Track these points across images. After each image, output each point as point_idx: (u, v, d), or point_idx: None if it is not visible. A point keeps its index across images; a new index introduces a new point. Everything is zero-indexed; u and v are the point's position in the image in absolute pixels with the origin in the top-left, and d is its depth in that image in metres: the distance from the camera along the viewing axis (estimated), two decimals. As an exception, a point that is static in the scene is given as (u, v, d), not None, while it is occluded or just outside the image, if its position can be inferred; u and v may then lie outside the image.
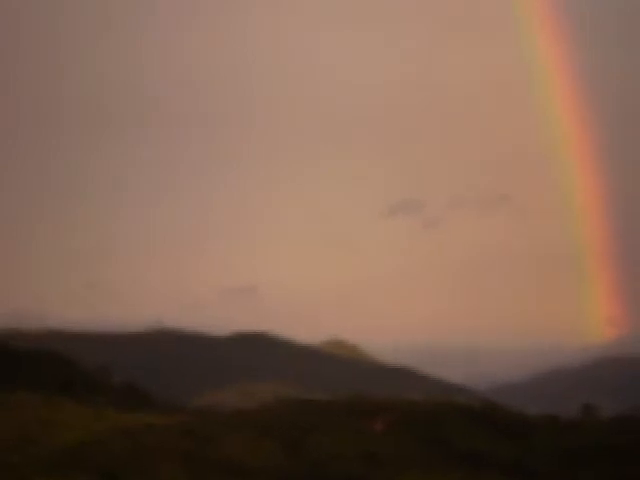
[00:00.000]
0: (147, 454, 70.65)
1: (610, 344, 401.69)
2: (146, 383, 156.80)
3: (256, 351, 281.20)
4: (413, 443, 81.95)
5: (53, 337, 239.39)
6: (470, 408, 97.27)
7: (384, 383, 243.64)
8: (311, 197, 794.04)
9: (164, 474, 65.49)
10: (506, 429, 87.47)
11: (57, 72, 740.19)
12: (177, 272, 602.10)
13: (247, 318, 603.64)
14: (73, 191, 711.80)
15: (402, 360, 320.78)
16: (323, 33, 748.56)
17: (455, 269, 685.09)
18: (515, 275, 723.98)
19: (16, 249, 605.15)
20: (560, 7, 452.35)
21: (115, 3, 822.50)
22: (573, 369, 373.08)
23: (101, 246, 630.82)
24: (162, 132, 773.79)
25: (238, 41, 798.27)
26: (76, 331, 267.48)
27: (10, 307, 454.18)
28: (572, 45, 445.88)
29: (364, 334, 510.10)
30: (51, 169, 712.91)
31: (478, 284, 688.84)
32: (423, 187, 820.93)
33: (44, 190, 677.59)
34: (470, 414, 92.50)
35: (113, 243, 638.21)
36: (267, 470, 71.22)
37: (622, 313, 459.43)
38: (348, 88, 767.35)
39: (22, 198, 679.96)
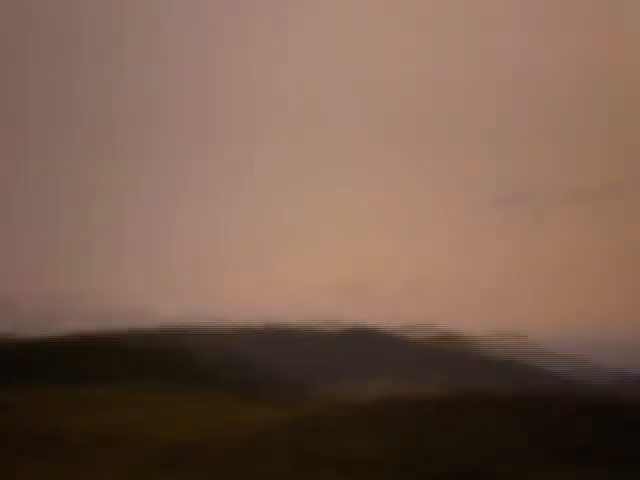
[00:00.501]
0: (264, 449, 71.06)
1: None
2: (260, 378, 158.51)
3: (367, 347, 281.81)
4: (538, 438, 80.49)
5: (170, 334, 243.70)
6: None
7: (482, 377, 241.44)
8: (419, 189, 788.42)
9: (280, 469, 66.37)
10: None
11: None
12: (288, 268, 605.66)
13: (358, 314, 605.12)
14: (186, 191, 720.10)
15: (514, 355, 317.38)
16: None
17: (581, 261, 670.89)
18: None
19: (131, 249, 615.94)
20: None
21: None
22: None
23: (214, 243, 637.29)
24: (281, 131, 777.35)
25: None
26: (193, 327, 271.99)
27: (127, 305, 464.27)
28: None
29: (477, 328, 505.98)
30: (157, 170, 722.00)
31: (610, 274, 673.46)
32: (535, 179, 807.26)
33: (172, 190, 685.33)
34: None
35: (225, 240, 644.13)
36: (382, 466, 71.17)
37: None
38: (452, 79, 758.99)
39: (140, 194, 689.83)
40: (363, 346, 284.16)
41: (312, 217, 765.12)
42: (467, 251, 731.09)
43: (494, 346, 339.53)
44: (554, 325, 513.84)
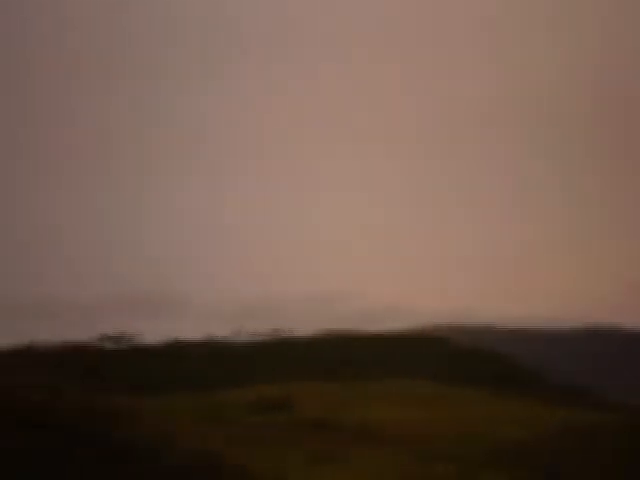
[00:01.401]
0: (592, 453, 67.17)
1: None
2: (583, 381, 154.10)
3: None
4: None
5: (491, 333, 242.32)
6: None
7: None
8: None
9: (616, 476, 62.00)
10: None
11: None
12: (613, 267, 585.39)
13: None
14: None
15: None
16: None
17: None
18: None
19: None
20: None
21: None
22: None
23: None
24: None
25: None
26: (512, 328, 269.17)
27: (452, 304, 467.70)
28: None
29: None
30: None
31: None
32: None
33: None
34: None
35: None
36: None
37: None
38: None
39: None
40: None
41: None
42: None
43: None
44: None
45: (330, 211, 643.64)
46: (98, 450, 55.12)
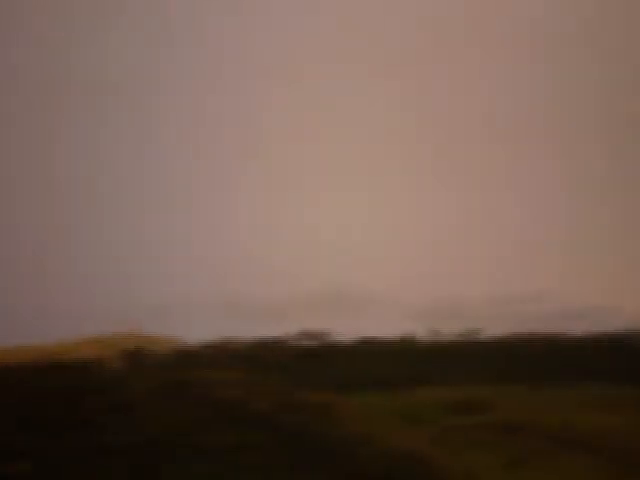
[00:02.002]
0: None
1: None
2: None
3: None
4: None
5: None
6: None
7: None
8: None
9: None
10: None
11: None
12: None
13: None
14: None
15: None
16: None
17: None
18: None
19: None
20: None
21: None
22: None
23: None
24: None
25: None
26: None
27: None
28: None
29: None
30: None
31: None
32: None
33: None
34: None
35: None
36: None
37: None
38: None
39: None
40: None
41: None
42: None
43: None
44: None
45: (514, 209, 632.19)
46: (294, 447, 55.59)
